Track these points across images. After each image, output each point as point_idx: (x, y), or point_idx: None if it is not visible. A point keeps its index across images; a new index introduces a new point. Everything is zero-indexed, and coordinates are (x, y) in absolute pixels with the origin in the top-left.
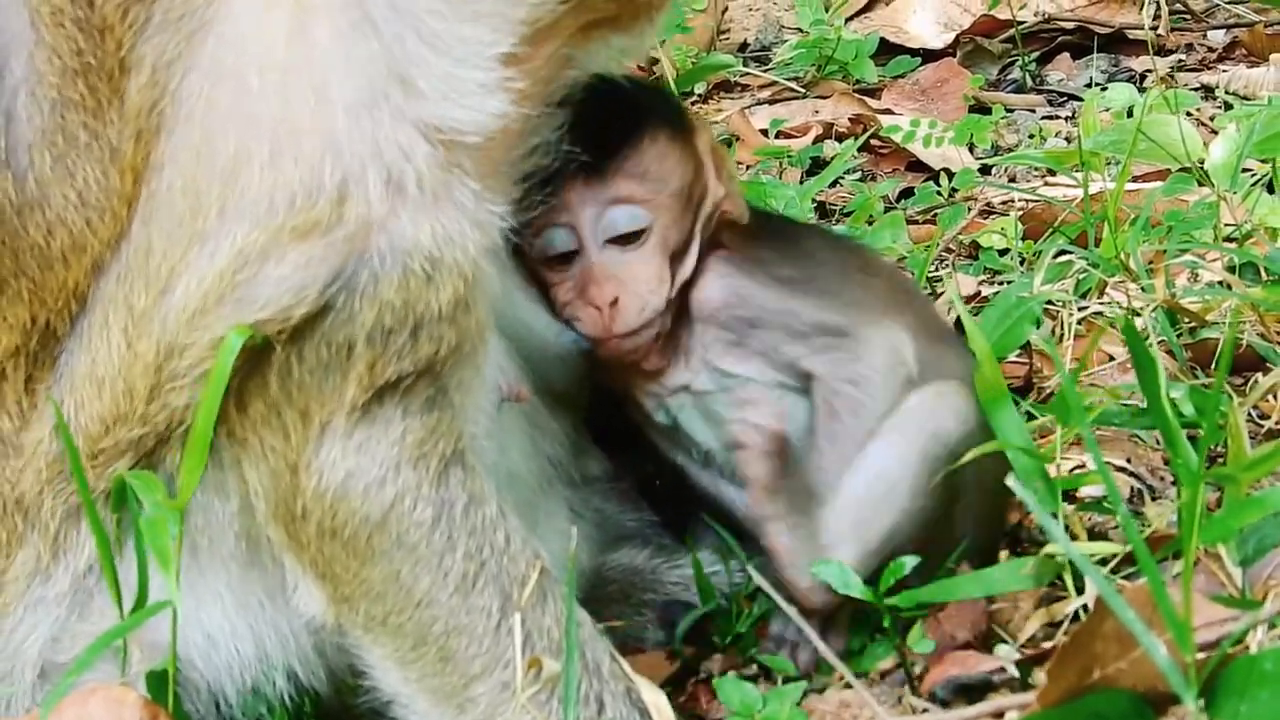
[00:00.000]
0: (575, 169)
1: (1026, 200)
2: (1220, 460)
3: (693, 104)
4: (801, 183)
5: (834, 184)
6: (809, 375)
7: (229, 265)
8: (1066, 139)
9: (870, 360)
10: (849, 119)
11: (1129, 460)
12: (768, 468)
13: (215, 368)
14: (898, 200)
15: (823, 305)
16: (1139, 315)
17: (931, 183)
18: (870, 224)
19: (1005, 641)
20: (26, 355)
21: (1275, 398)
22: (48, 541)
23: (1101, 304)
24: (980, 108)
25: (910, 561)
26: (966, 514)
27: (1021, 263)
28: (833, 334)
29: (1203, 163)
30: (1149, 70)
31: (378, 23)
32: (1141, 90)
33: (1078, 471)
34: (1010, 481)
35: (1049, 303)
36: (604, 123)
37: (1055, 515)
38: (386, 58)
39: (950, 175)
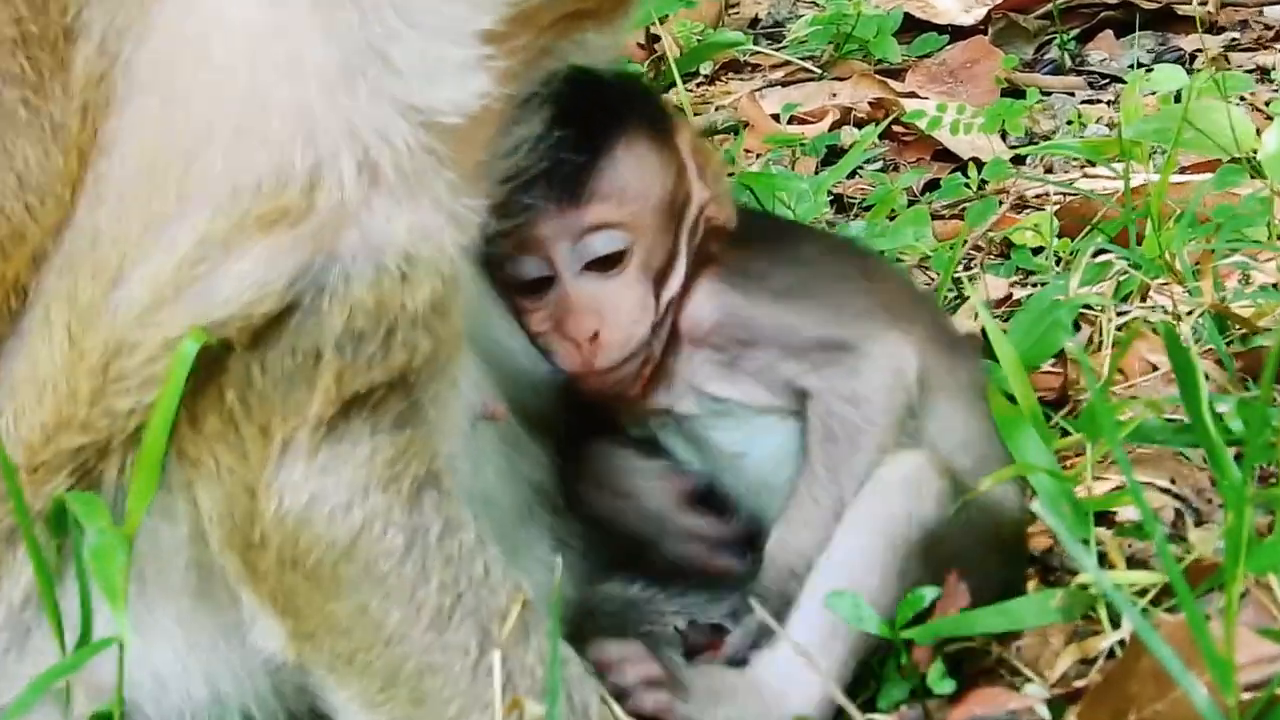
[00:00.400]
0: (544, 187)
1: (1063, 194)
2: (1272, 480)
3: (698, 85)
4: (816, 173)
5: (852, 175)
6: (804, 394)
7: (187, 256)
8: (1109, 125)
9: (870, 378)
10: (869, 103)
11: (1172, 480)
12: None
13: (170, 378)
14: (922, 193)
15: (823, 318)
16: (1184, 321)
17: (959, 174)
18: (892, 219)
19: (1032, 680)
20: None
21: None
22: None
23: (1144, 308)
24: (1013, 91)
25: (930, 594)
26: (969, 564)
27: (1057, 262)
28: (833, 349)
29: (1256, 153)
30: (1199, 50)
31: None
32: (1190, 72)
33: (1114, 493)
34: (1036, 506)
35: (1086, 307)
36: (574, 131)
37: (1086, 541)
38: (364, 30)
39: (980, 166)
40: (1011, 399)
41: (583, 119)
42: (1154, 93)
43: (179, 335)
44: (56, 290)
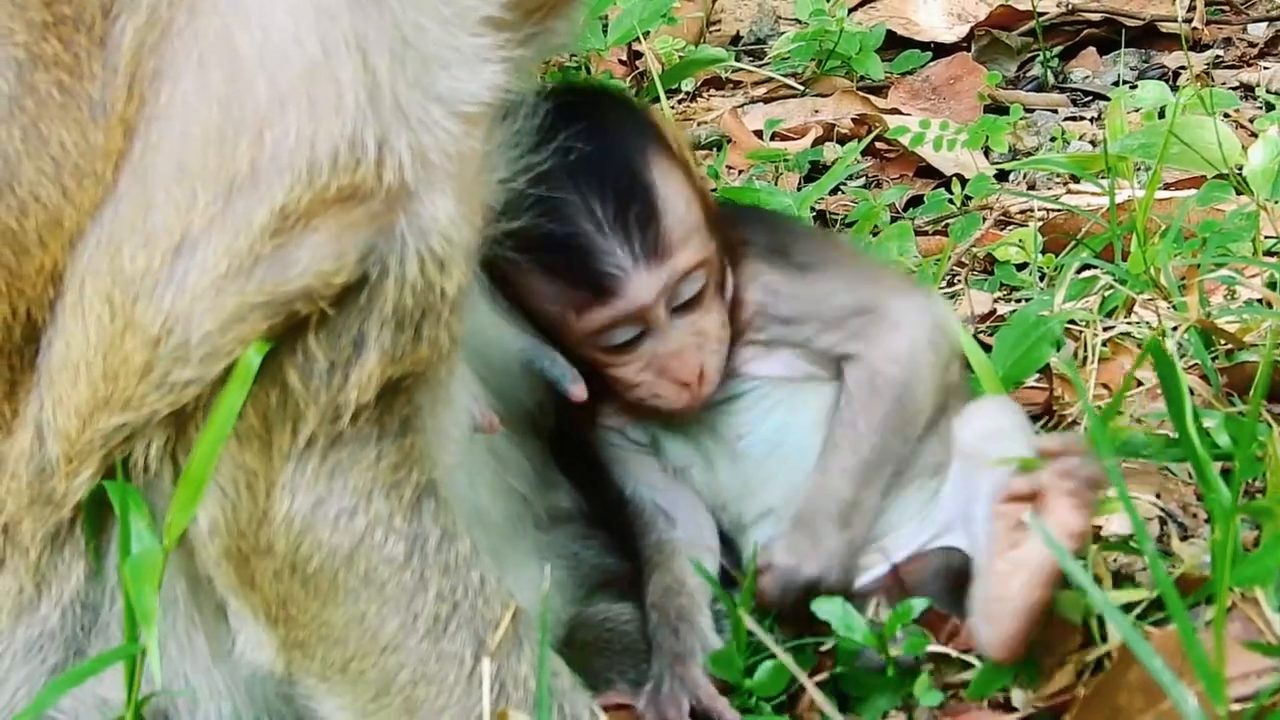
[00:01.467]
0: (620, 248)
1: (1047, 210)
2: (1259, 495)
3: (680, 102)
4: (799, 189)
5: (835, 191)
6: (845, 358)
7: (266, 225)
8: (1092, 142)
9: (909, 333)
10: (852, 119)
11: (1158, 495)
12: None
13: (231, 385)
14: (905, 209)
15: (852, 285)
16: (1170, 336)
17: (943, 190)
18: (875, 235)
19: (1022, 688)
20: (8, 353)
21: None
22: (29, 571)
23: (1129, 324)
24: (997, 108)
25: (919, 605)
26: None
27: (1041, 278)
28: (866, 312)
29: (1241, 169)
30: (1183, 67)
31: None
32: (1174, 89)
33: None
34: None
35: (1071, 322)
36: (610, 182)
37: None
38: (400, 16)
39: (963, 182)
40: None
41: (610, 169)
42: (1138, 109)
43: (255, 304)
44: (94, 265)
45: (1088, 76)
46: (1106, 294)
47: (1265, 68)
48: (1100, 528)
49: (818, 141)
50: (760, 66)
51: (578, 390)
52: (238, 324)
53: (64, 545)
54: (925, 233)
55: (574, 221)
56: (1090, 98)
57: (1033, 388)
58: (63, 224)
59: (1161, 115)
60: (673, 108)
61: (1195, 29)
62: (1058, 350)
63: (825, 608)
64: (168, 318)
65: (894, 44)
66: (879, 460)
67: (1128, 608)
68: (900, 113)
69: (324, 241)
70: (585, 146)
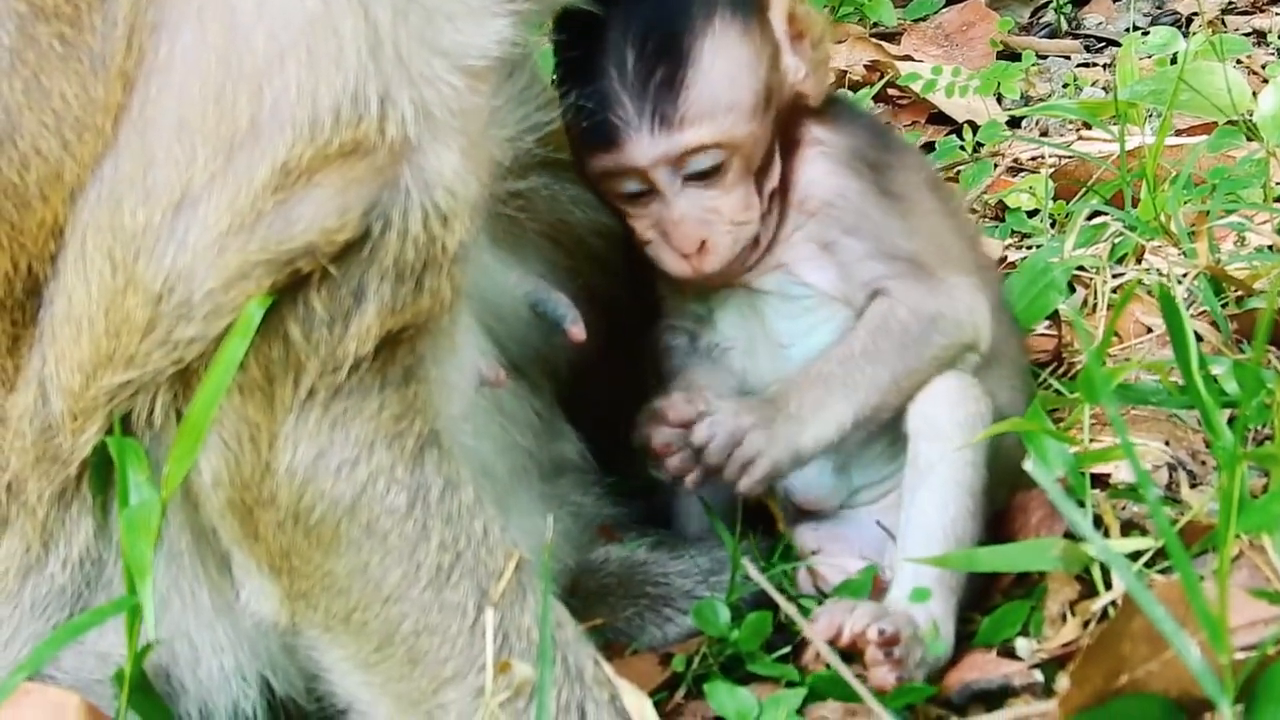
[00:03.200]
0: (632, 106)
1: (1059, 156)
2: (1269, 442)
3: None
4: None
5: None
6: (879, 293)
7: (269, 181)
8: (1104, 89)
9: (946, 306)
10: (864, 66)
11: (1167, 442)
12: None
13: (231, 339)
14: None
15: (921, 235)
16: (1180, 283)
17: (955, 137)
18: None
19: (1026, 635)
20: (10, 308)
21: None
22: (36, 529)
23: (1139, 270)
24: (1009, 54)
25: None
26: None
27: (1052, 225)
28: (921, 269)
29: (1251, 115)
30: (1195, 14)
31: None
32: (1186, 35)
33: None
34: (1028, 466)
35: (1081, 269)
36: (658, 32)
37: (1081, 503)
38: None
39: (975, 129)
40: None
41: (662, 18)
42: (1150, 55)
43: (258, 259)
44: (95, 220)
45: (1100, 23)
46: (1117, 241)
47: (1278, 14)
48: (1109, 475)
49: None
50: None
51: (576, 331)
52: (241, 281)
53: (71, 503)
54: None
55: (604, 61)
56: (1103, 44)
57: (1043, 334)
58: (63, 177)
59: (1174, 61)
60: None
61: None
62: (1066, 297)
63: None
64: (169, 275)
65: None
66: (857, 386)
67: (1135, 556)
68: (913, 59)
69: (327, 197)
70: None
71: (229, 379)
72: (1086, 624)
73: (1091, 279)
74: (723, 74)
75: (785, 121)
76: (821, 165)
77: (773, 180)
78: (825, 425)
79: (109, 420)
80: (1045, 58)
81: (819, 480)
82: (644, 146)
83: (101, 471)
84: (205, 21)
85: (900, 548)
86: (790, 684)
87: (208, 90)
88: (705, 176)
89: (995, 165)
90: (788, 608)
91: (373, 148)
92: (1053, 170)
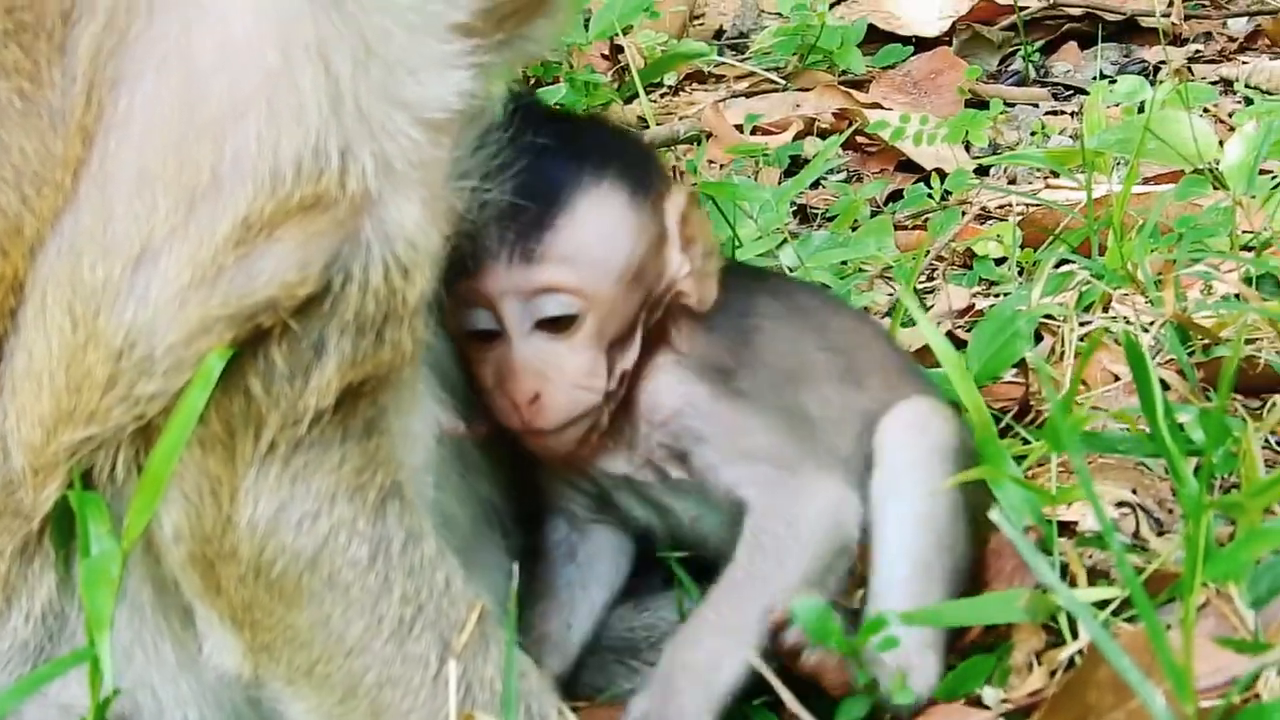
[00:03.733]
0: (497, 238)
1: (1026, 204)
2: (1236, 490)
3: (662, 96)
4: (779, 184)
5: (815, 185)
6: (742, 504)
7: (230, 235)
8: (1072, 137)
9: (810, 509)
10: (833, 114)
11: (1134, 491)
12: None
13: (192, 390)
14: (885, 204)
15: (781, 433)
16: (1146, 331)
17: (923, 184)
18: (854, 230)
19: (994, 686)
20: None
21: None
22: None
23: (1106, 319)
24: (977, 102)
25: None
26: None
27: (1020, 273)
28: (779, 466)
29: (1218, 164)
30: (1162, 62)
31: None
32: (1153, 84)
33: (1075, 504)
34: (995, 516)
35: (1048, 317)
36: (543, 177)
37: (1049, 552)
38: (362, 24)
39: (943, 176)
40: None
41: (554, 166)
42: (1117, 104)
43: (219, 314)
44: (55, 275)
45: (1068, 70)
46: (1084, 289)
47: (1244, 62)
48: (1076, 523)
49: (799, 136)
50: (742, 61)
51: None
52: (203, 335)
53: (33, 558)
54: (905, 227)
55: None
56: (1071, 92)
57: (1010, 382)
58: (23, 232)
59: (1141, 110)
60: (654, 102)
61: (1175, 24)
62: (1034, 345)
63: (803, 610)
64: (130, 330)
65: (875, 38)
66: (744, 616)
67: (1102, 605)
68: (881, 107)
69: (289, 251)
70: (552, 150)
71: (189, 432)
72: (1053, 673)
73: (1059, 327)
74: (595, 228)
75: (660, 318)
76: (672, 374)
77: (626, 362)
78: (729, 676)
79: (70, 475)
80: (1013, 106)
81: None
82: (499, 275)
83: (63, 526)
84: (165, 74)
85: (871, 592)
86: None
87: (167, 142)
88: (556, 326)
89: (963, 213)
90: (758, 664)
91: (334, 201)
92: (1020, 218)
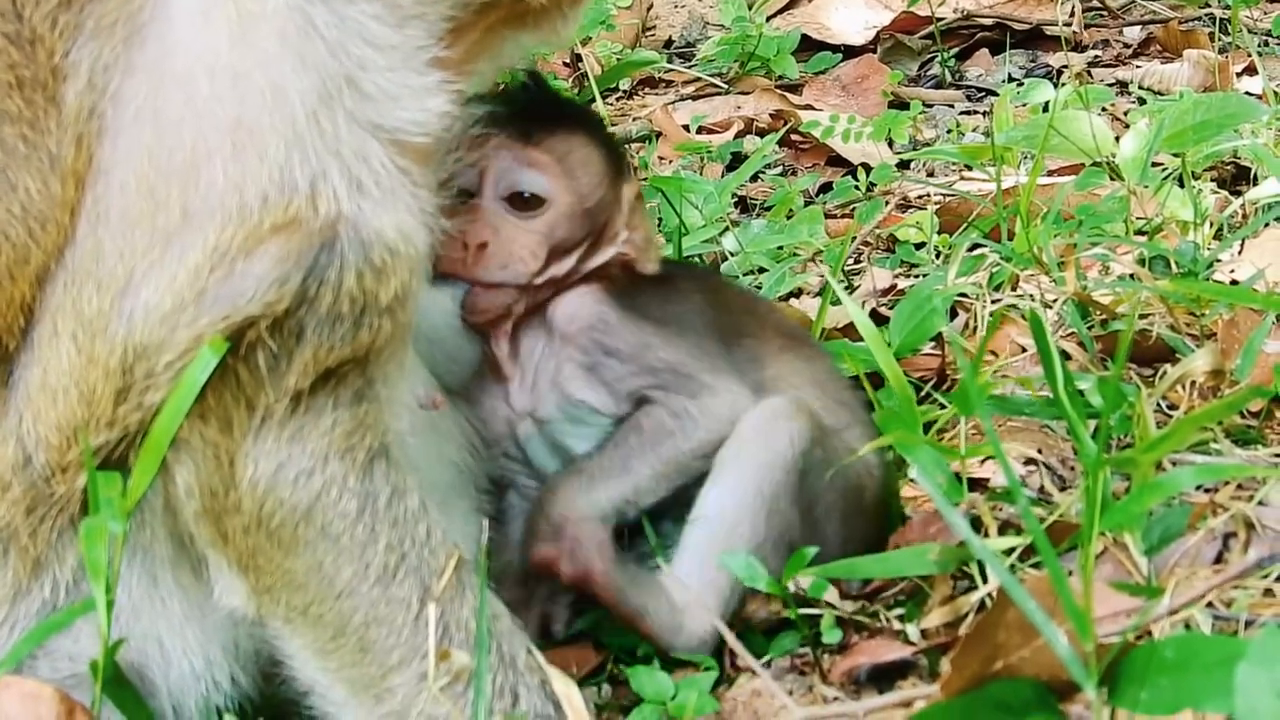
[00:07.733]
0: (507, 119)
1: (943, 195)
2: (1130, 450)
3: (617, 100)
4: (722, 177)
5: (754, 178)
6: (643, 400)
7: (203, 263)
8: (985, 134)
9: (706, 409)
10: (770, 114)
11: (1039, 450)
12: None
13: (187, 378)
14: (817, 194)
15: (684, 352)
16: (1050, 307)
17: (850, 177)
18: (789, 218)
19: (908, 629)
20: None
21: (1183, 388)
22: (27, 564)
23: (1014, 296)
24: (899, 103)
25: (812, 552)
26: (829, 517)
27: (937, 256)
28: (684, 377)
29: (1114, 157)
30: (1065, 66)
31: (320, 28)
32: (1057, 86)
33: (986, 462)
34: (913, 473)
35: (963, 295)
36: (553, 108)
37: (956, 504)
38: (334, 60)
39: (869, 170)
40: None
41: (561, 109)
42: (1024, 104)
43: (208, 332)
44: (61, 304)
45: (981, 75)
46: (994, 270)
47: (1138, 66)
48: (987, 480)
49: (739, 134)
50: (689, 67)
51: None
52: (196, 350)
53: (63, 534)
54: (834, 216)
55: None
56: (983, 94)
57: (928, 354)
58: (30, 262)
59: (1045, 109)
60: (610, 105)
61: (1076, 32)
62: (950, 321)
63: (732, 562)
64: (124, 353)
65: (808, 46)
66: (600, 480)
67: (1010, 552)
68: (813, 108)
69: (268, 269)
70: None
71: (180, 415)
72: (965, 615)
73: (972, 304)
74: (583, 152)
75: (601, 265)
76: (592, 295)
77: (558, 269)
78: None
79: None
80: (931, 106)
81: None
82: (498, 142)
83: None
84: (140, 124)
85: (685, 535)
86: (707, 669)
87: (143, 188)
88: (523, 204)
89: (886, 203)
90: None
91: (306, 221)
92: (938, 207)
